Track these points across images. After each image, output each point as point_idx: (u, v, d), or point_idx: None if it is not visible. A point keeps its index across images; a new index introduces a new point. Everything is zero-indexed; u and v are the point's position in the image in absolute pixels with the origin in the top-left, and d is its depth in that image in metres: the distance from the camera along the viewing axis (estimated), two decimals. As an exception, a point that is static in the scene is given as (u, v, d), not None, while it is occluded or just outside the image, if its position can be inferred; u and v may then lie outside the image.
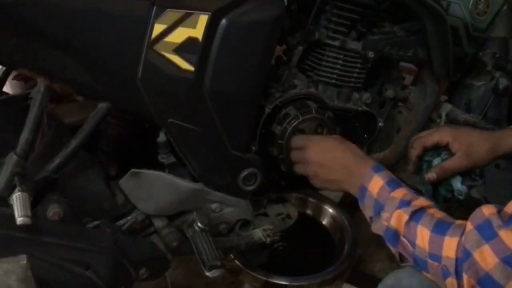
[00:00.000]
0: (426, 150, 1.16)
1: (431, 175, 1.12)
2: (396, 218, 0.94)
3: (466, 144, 1.11)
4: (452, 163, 1.11)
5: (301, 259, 1.83)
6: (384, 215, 0.97)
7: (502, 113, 1.49)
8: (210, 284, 1.69)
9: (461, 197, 1.11)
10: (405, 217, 0.92)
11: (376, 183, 1.01)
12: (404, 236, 0.93)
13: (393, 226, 0.94)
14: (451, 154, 1.13)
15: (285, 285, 1.68)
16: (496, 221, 0.80)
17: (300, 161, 1.19)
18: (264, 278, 1.67)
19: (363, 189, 1.03)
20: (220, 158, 1.19)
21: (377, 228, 0.99)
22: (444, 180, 1.12)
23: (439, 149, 1.15)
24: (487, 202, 1.60)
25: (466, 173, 1.12)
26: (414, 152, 1.17)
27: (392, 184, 1.00)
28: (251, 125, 1.20)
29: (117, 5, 1.00)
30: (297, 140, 1.21)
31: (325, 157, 1.13)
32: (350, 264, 1.79)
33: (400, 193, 0.97)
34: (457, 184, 1.11)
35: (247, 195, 1.29)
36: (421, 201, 0.95)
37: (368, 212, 1.02)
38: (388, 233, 0.96)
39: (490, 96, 1.46)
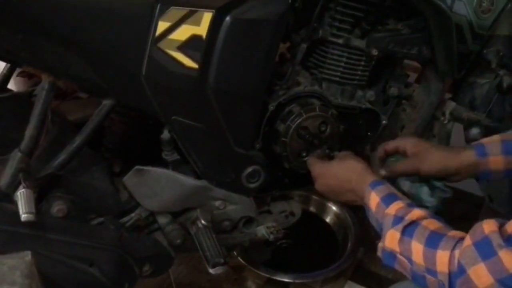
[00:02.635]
0: (388, 154, 1.22)
1: (381, 172, 1.18)
2: (389, 239, 0.93)
3: (419, 149, 1.15)
4: (400, 163, 1.17)
5: (304, 256, 1.83)
6: (383, 233, 0.97)
7: (506, 111, 1.48)
8: (214, 281, 1.69)
9: (432, 210, 1.12)
10: (397, 235, 0.91)
11: (374, 200, 1.01)
12: (401, 254, 0.92)
13: (388, 247, 0.94)
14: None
15: (288, 282, 1.68)
16: (496, 240, 0.78)
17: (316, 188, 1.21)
18: (267, 275, 1.67)
19: (367, 207, 1.04)
20: (223, 155, 1.20)
21: (378, 251, 0.99)
22: (410, 194, 1.15)
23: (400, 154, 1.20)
24: (491, 200, 1.60)
25: (435, 186, 1.15)
26: (377, 153, 1.23)
27: (387, 200, 0.99)
28: (255, 123, 1.21)
29: (122, 2, 1.00)
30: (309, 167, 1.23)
31: (329, 185, 1.16)
32: (353, 261, 1.79)
33: (394, 208, 0.96)
34: (425, 196, 1.14)
35: (250, 193, 1.29)
36: (415, 213, 0.93)
37: (375, 227, 1.03)
38: (384, 254, 0.96)
39: (494, 94, 1.46)
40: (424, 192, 1.14)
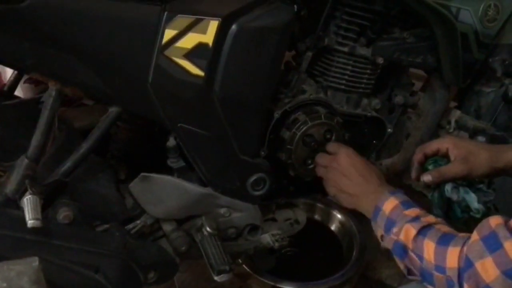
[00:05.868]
0: (427, 157, 1.16)
1: (426, 177, 1.11)
2: (405, 233, 0.95)
3: (464, 150, 1.10)
4: (449, 167, 1.10)
5: (309, 264, 1.83)
6: (394, 229, 0.98)
7: (512, 120, 1.48)
8: (218, 289, 1.69)
9: (478, 216, 1.09)
10: (413, 232, 0.94)
11: (391, 203, 1.02)
12: (412, 251, 0.94)
13: (401, 240, 0.96)
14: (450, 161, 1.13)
15: (293, 290, 1.68)
16: (502, 232, 0.80)
17: (326, 164, 1.20)
18: (272, 283, 1.67)
19: (377, 209, 1.04)
20: (229, 162, 1.20)
21: (386, 242, 1.00)
22: (458, 202, 1.11)
23: (440, 157, 1.15)
24: (497, 210, 1.60)
25: (477, 188, 1.12)
26: (415, 158, 1.17)
27: (407, 205, 1.01)
28: (260, 130, 1.21)
29: (129, 10, 1.00)
30: (332, 146, 1.23)
31: (351, 169, 1.14)
32: (358, 270, 1.78)
33: (413, 212, 0.98)
34: (474, 203, 1.10)
35: (255, 200, 1.29)
36: (431, 218, 0.96)
37: (379, 231, 1.03)
38: (397, 246, 0.97)
39: (500, 103, 1.46)
40: (472, 199, 1.10)
